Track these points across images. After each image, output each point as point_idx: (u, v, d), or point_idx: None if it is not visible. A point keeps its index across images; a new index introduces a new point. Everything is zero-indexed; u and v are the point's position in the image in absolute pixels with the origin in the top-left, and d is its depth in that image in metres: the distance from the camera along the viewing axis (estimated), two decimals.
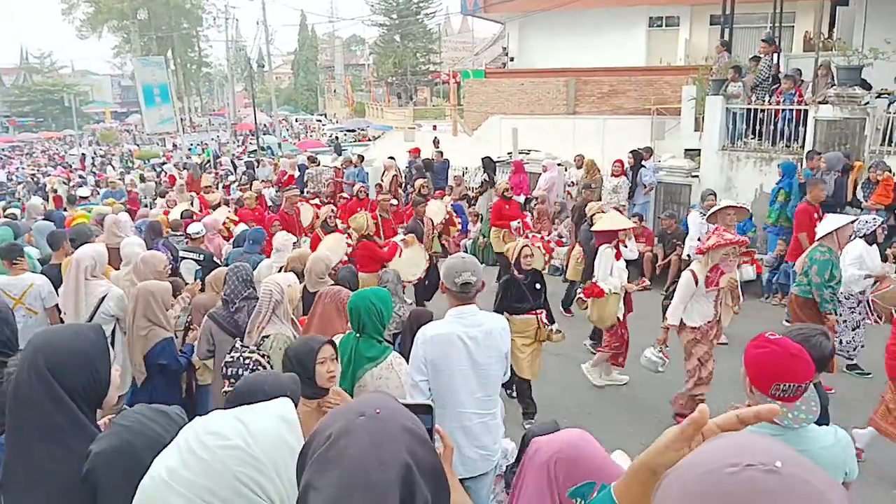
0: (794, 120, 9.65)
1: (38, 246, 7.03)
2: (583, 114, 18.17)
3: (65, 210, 11.83)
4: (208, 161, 23.66)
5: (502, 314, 5.13)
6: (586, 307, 6.28)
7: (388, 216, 8.37)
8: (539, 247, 6.71)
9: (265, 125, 36.23)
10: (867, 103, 9.00)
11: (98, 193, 16.66)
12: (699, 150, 11.01)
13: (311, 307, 4.40)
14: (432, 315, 4.06)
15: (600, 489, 1.48)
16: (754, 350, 2.28)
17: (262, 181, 15.25)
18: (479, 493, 3.26)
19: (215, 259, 7.01)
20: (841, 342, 5.99)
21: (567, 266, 10.15)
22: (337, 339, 3.43)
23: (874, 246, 6.03)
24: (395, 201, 9.97)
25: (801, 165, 8.92)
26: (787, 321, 7.18)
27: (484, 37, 40.84)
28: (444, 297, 3.44)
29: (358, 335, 3.29)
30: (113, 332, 4.54)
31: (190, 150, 30.51)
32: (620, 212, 7.95)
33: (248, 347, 3.75)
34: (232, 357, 3.71)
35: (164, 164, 25.20)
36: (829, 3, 13.70)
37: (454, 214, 9.41)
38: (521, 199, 10.97)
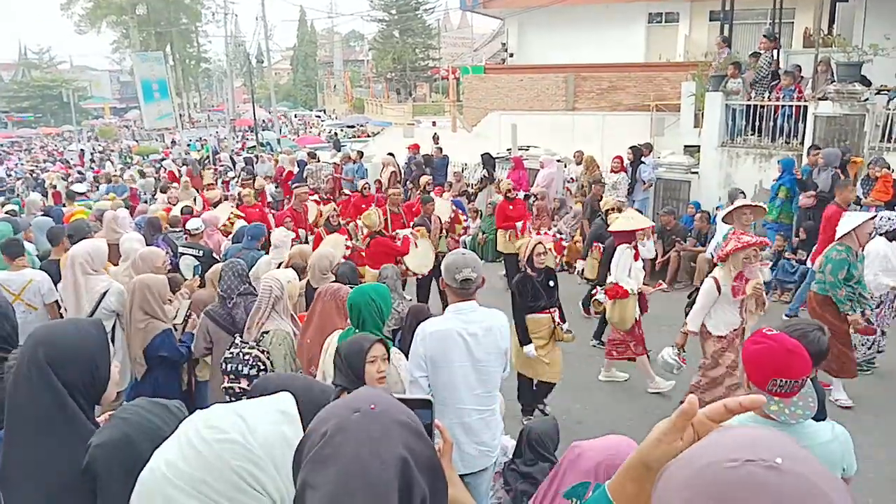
0: (793, 116, 9.66)
1: (36, 242, 7.03)
2: (582, 110, 18.17)
3: (63, 206, 11.81)
4: (207, 157, 23.62)
5: (525, 316, 5.15)
6: (602, 309, 6.24)
7: (398, 210, 8.29)
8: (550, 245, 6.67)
9: (264, 121, 36.15)
10: (867, 100, 8.99)
11: (97, 189, 16.63)
12: (699, 146, 11.02)
13: (311, 304, 4.41)
14: (429, 310, 4.05)
15: (595, 488, 1.48)
16: (752, 346, 2.29)
17: (265, 177, 15.21)
18: (478, 489, 3.27)
19: (214, 255, 7.01)
20: (856, 346, 5.74)
21: (566, 261, 10.16)
22: (336, 335, 3.45)
23: (895, 242, 5.81)
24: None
25: (801, 162, 8.93)
26: (786, 316, 7.19)
27: (483, 33, 40.75)
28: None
29: (357, 331, 3.30)
30: (113, 328, 4.54)
31: (189, 146, 30.43)
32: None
33: (247, 343, 3.76)
34: (231, 353, 3.72)
35: (163, 160, 25.12)
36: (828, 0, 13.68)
37: (460, 212, 9.37)
38: (521, 195, 10.93)
